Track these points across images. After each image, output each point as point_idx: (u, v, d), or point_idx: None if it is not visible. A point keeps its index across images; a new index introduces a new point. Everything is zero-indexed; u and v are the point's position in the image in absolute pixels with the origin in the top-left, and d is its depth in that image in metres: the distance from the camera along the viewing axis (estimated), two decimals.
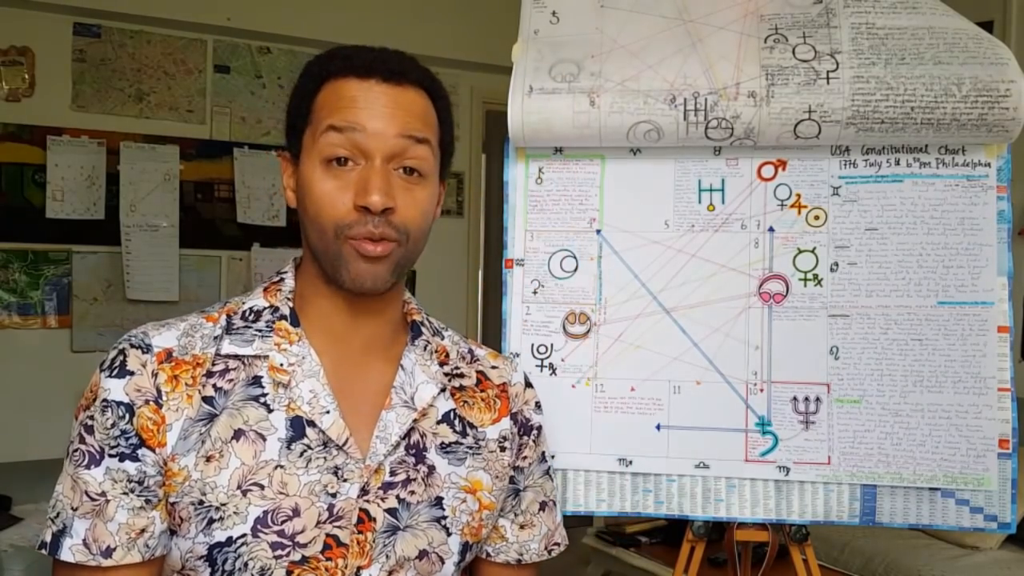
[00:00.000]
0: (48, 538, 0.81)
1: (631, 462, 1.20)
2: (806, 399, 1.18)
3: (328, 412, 0.85)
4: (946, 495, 1.16)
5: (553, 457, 1.17)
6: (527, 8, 1.23)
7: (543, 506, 1.01)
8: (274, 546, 0.81)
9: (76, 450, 0.82)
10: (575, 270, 1.22)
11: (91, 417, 0.82)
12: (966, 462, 1.15)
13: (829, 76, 1.12)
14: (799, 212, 1.20)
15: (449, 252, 3.97)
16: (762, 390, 1.19)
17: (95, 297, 3.35)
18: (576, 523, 2.46)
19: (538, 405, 1.03)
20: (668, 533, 2.63)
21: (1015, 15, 3.08)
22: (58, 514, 0.82)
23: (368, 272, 0.85)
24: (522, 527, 0.99)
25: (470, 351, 1.01)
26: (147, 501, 0.82)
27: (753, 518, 1.19)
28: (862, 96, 1.11)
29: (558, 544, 1.03)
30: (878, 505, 1.17)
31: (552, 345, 1.22)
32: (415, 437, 0.90)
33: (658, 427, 1.20)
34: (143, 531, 0.81)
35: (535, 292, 1.23)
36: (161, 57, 3.46)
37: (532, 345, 1.22)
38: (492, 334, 4.12)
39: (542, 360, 1.22)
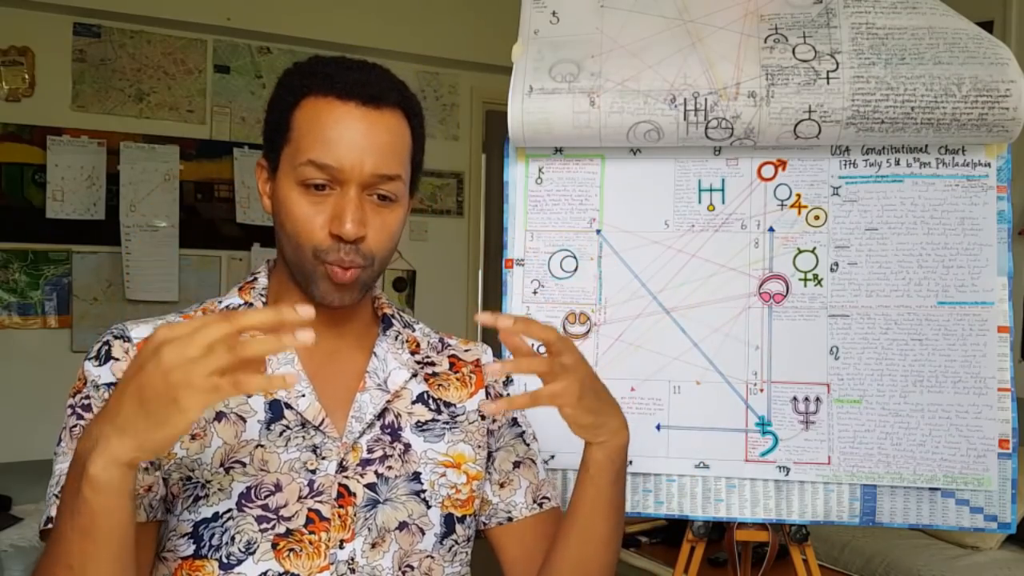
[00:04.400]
0: (53, 512, 0.81)
1: (631, 462, 1.20)
2: (806, 399, 1.18)
3: (304, 396, 0.89)
4: (946, 495, 1.16)
5: (553, 457, 1.17)
6: (527, 8, 1.23)
7: (517, 464, 1.02)
8: (259, 520, 0.84)
9: (75, 426, 0.84)
10: (575, 270, 1.22)
11: (87, 397, 0.85)
12: (966, 462, 1.15)
13: (829, 76, 1.12)
14: (799, 212, 1.20)
15: (449, 252, 3.96)
16: (762, 390, 1.19)
17: (95, 297, 3.35)
18: None
19: (508, 380, 1.06)
20: (668, 533, 2.62)
21: (1015, 15, 3.08)
22: (61, 488, 0.81)
23: (336, 294, 0.89)
24: (501, 485, 1.00)
25: (441, 340, 1.04)
26: (151, 462, 0.84)
27: (753, 518, 1.19)
28: (862, 96, 1.11)
29: (547, 498, 1.03)
30: (878, 505, 1.17)
31: None
32: (390, 417, 0.93)
33: (658, 427, 1.20)
34: (149, 489, 0.84)
35: (535, 292, 1.23)
36: (161, 57, 3.46)
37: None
38: (492, 334, 4.10)
39: None
